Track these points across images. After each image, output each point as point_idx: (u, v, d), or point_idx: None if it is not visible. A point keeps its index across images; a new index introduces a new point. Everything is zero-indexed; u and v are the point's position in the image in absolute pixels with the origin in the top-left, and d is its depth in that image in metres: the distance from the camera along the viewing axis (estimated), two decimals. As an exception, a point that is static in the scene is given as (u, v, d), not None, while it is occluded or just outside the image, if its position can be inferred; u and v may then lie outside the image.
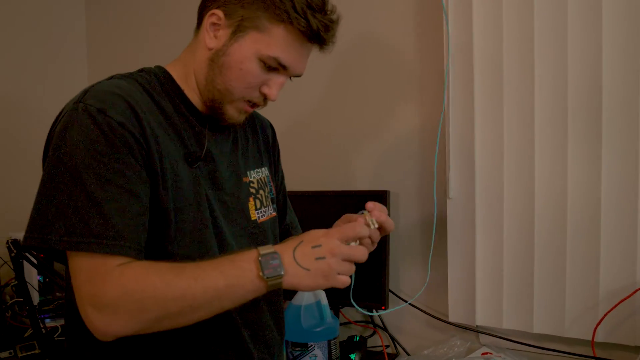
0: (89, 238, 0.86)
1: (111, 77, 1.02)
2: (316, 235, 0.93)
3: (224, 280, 0.88)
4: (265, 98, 1.06)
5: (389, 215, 1.04)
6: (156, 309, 0.86)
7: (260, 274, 0.88)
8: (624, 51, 1.41)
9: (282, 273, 0.89)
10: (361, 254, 0.94)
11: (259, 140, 1.23)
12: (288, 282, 0.90)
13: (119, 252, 0.88)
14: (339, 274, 0.92)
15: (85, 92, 0.95)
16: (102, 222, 0.87)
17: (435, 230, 1.68)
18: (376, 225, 1.00)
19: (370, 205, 1.01)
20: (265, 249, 0.90)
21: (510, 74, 1.55)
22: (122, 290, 0.86)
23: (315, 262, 0.90)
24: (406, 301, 1.77)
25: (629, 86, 1.41)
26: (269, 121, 1.30)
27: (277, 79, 1.04)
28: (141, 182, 0.92)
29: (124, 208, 0.89)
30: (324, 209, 1.74)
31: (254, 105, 1.07)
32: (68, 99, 0.98)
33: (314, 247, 0.91)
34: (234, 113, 1.06)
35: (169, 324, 0.89)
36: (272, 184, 1.23)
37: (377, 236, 1.02)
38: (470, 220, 1.63)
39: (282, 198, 1.31)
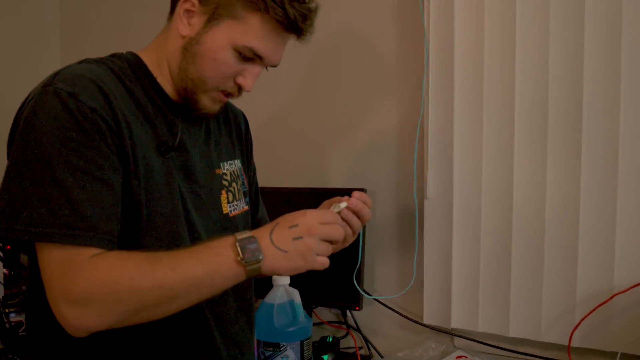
0: (59, 229, 0.82)
1: (81, 62, 0.98)
2: (292, 215, 0.92)
3: (201, 267, 0.85)
4: (240, 88, 1.03)
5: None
6: (132, 300, 0.83)
7: (239, 258, 0.86)
8: (604, 56, 1.40)
9: (261, 257, 0.87)
10: (338, 232, 0.93)
11: (232, 131, 1.20)
12: (267, 266, 0.88)
13: (92, 243, 0.84)
14: (317, 255, 0.90)
15: (55, 75, 0.91)
16: (72, 212, 0.83)
17: (417, 230, 1.66)
18: (340, 208, 0.98)
19: (356, 194, 1.00)
20: (242, 234, 0.88)
21: (491, 74, 1.53)
22: (96, 282, 0.82)
23: (292, 242, 0.89)
24: (382, 303, 1.75)
25: (609, 91, 1.40)
26: (242, 112, 1.27)
27: (252, 69, 1.01)
28: (114, 171, 0.89)
29: (95, 198, 0.85)
30: (298, 206, 1.68)
31: (228, 94, 1.03)
32: (37, 82, 0.94)
33: (290, 227, 0.90)
34: (208, 103, 1.03)
35: (145, 316, 0.86)
36: (244, 176, 1.19)
37: (357, 224, 1.00)
38: (447, 221, 1.61)
39: (254, 192, 1.28)
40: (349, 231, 0.99)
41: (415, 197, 1.65)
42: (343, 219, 0.98)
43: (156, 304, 0.85)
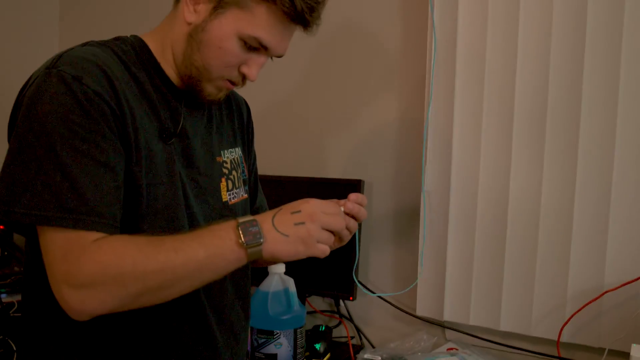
0: (62, 212, 0.82)
1: (85, 44, 0.97)
2: (295, 202, 0.93)
3: (204, 250, 0.85)
4: (244, 78, 1.02)
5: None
6: (135, 283, 0.83)
7: (240, 241, 0.86)
8: (604, 58, 1.41)
9: (262, 240, 0.87)
10: (340, 223, 0.94)
11: (234, 119, 1.20)
12: (267, 249, 0.88)
13: (95, 227, 0.84)
14: (318, 242, 0.91)
15: (59, 57, 0.90)
16: (75, 196, 0.83)
17: (425, 224, 1.66)
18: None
19: (352, 196, 1.01)
20: (243, 218, 0.88)
21: (493, 70, 1.54)
22: (100, 265, 0.82)
23: (294, 227, 0.89)
24: (373, 293, 1.76)
25: (608, 92, 1.41)
26: (244, 100, 1.27)
27: (257, 58, 1.00)
28: (117, 155, 0.88)
29: (99, 182, 0.85)
30: (296, 195, 1.69)
31: (232, 83, 1.03)
32: (35, 66, 0.93)
33: (293, 212, 0.91)
34: (213, 91, 1.03)
35: (148, 299, 0.86)
36: (244, 164, 1.19)
37: (353, 225, 1.01)
38: (443, 214, 1.62)
39: (254, 180, 1.28)
40: (346, 231, 1.00)
41: (424, 191, 1.65)
42: None
43: (159, 287, 0.85)
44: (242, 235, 0.86)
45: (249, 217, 0.89)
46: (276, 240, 0.89)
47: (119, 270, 0.82)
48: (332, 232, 0.94)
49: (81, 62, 0.89)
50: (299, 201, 0.93)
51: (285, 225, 0.90)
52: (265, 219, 0.90)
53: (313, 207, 0.91)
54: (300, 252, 0.90)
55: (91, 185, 0.84)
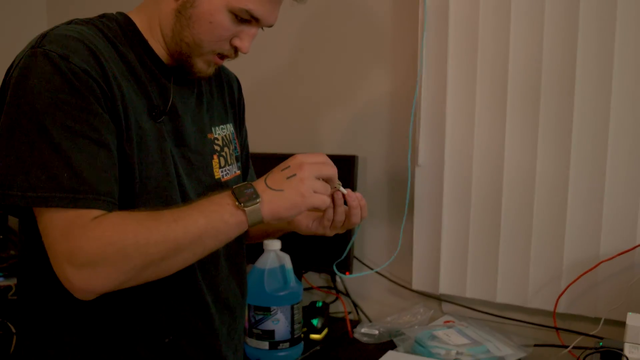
0: (60, 192, 0.81)
1: (69, 22, 0.95)
2: (284, 162, 0.94)
3: (203, 217, 0.85)
4: (236, 50, 1.01)
5: (356, 182, 1.02)
6: (139, 255, 0.83)
7: (237, 203, 0.87)
8: (598, 30, 1.40)
9: (258, 200, 0.88)
10: (331, 170, 0.95)
11: (225, 95, 1.18)
12: (266, 209, 0.88)
13: (94, 205, 0.83)
14: (315, 192, 0.91)
15: (43, 36, 0.88)
16: (72, 175, 0.82)
17: (408, 198, 1.66)
18: (343, 191, 1.00)
19: (352, 194, 1.02)
20: (237, 185, 0.90)
21: (486, 42, 1.53)
22: (102, 241, 0.81)
23: (286, 181, 0.90)
24: (371, 269, 1.76)
25: (602, 63, 1.40)
26: (235, 75, 1.25)
27: (248, 30, 0.99)
28: (109, 133, 0.87)
29: (94, 160, 0.84)
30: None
31: (223, 57, 1.02)
32: (23, 45, 0.91)
33: (283, 169, 0.92)
34: (203, 66, 1.01)
35: (152, 271, 0.86)
36: (236, 141, 1.18)
37: (341, 215, 1.02)
38: (438, 188, 1.62)
39: (245, 157, 1.28)
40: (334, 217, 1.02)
41: (409, 165, 1.65)
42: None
43: (162, 257, 0.84)
44: (238, 198, 0.87)
45: (243, 183, 0.90)
46: (272, 197, 0.89)
47: (122, 245, 0.82)
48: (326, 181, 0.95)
49: (67, 40, 0.87)
50: (287, 159, 0.94)
51: (278, 181, 0.90)
52: (258, 182, 0.91)
53: (300, 159, 0.92)
54: (299, 203, 0.90)
55: (86, 163, 0.83)
